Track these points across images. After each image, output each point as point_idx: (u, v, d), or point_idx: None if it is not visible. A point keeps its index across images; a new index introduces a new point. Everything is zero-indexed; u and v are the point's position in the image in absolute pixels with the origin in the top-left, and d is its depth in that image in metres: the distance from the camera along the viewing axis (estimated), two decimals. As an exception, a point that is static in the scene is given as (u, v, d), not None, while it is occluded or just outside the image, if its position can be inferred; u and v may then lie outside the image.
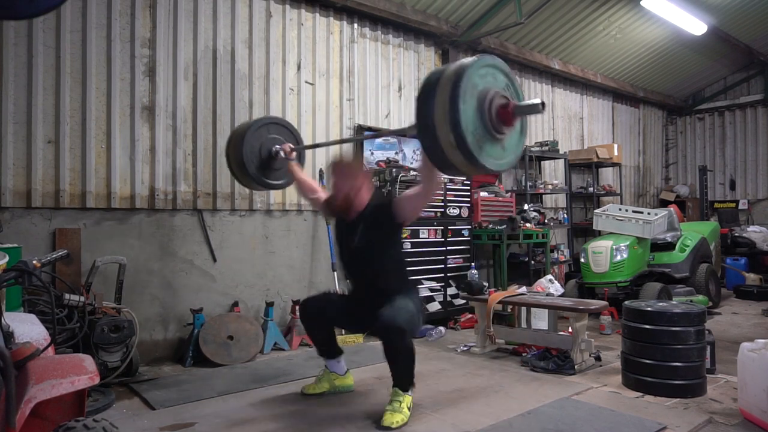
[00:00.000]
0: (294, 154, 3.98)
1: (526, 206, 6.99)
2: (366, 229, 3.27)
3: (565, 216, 8.14)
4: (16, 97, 3.93)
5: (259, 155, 3.96)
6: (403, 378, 3.12)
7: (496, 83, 2.53)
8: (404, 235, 5.39)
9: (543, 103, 2.44)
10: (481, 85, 2.43)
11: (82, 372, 1.82)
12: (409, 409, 3.09)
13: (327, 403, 3.41)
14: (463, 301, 5.80)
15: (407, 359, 3.11)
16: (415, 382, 3.17)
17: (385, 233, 3.28)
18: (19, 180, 3.93)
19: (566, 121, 8.81)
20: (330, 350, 3.61)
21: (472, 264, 5.96)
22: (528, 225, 6.54)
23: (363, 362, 4.25)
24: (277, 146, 3.96)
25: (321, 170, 5.43)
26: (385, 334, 3.04)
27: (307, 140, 5.42)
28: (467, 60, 2.46)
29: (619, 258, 5.93)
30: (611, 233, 6.35)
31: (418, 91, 2.57)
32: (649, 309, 3.60)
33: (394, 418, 2.98)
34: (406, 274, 3.47)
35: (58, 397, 1.78)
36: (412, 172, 5.52)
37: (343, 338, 5.02)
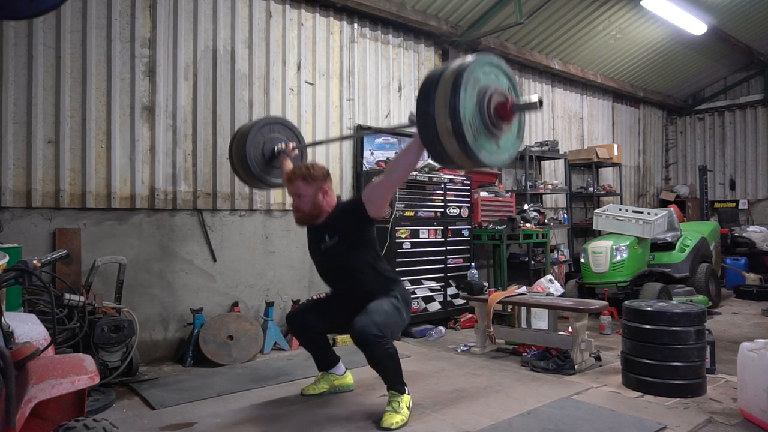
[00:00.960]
0: (296, 152, 3.97)
1: (526, 206, 6.99)
2: (336, 230, 3.18)
3: (565, 216, 8.14)
4: (16, 97, 3.93)
5: (263, 155, 3.97)
6: (393, 380, 3.10)
7: (498, 83, 2.58)
8: (404, 235, 5.39)
9: (541, 101, 2.50)
10: (484, 80, 2.50)
11: (82, 372, 1.82)
12: (408, 408, 3.08)
13: (327, 403, 3.41)
14: (463, 301, 5.80)
15: (389, 363, 3.05)
16: (405, 382, 3.15)
17: (356, 232, 3.18)
18: (19, 180, 3.93)
19: (566, 121, 8.81)
20: (327, 361, 3.59)
21: (472, 264, 5.96)
22: (528, 225, 6.54)
23: (363, 362, 4.21)
24: (280, 145, 3.97)
25: (321, 170, 5.43)
26: (359, 345, 2.98)
27: (306, 140, 5.43)
28: (472, 56, 2.51)
29: (619, 258, 5.93)
30: (611, 233, 6.36)
31: (422, 81, 2.61)
32: (649, 309, 3.60)
33: (393, 419, 2.97)
34: (383, 273, 3.30)
35: (58, 397, 1.78)
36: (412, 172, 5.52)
37: (343, 338, 5.03)
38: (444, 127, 2.40)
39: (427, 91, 2.49)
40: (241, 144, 3.92)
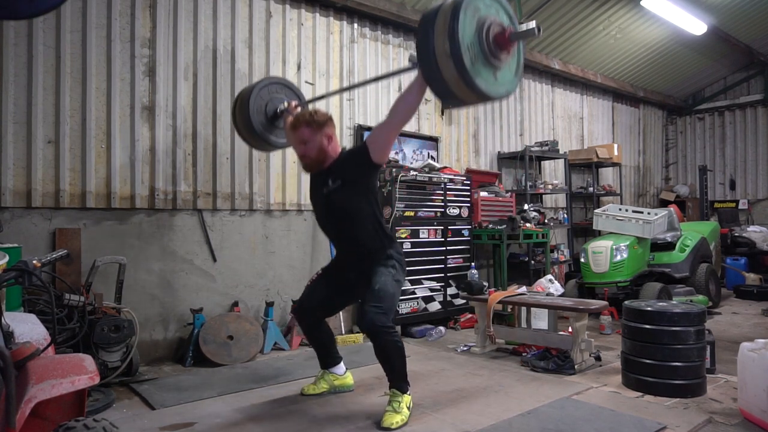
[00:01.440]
0: (299, 109, 3.96)
1: (526, 206, 6.99)
2: (340, 174, 3.15)
3: (565, 216, 8.14)
4: (16, 97, 3.93)
5: (265, 114, 4.00)
6: (398, 374, 3.12)
7: (498, 16, 2.65)
8: (404, 235, 5.39)
9: (539, 27, 2.57)
10: (484, 11, 2.56)
11: (82, 372, 1.82)
12: (408, 408, 3.08)
13: (327, 403, 3.41)
14: (463, 301, 5.80)
15: (396, 354, 3.08)
16: (408, 380, 3.16)
17: (360, 177, 3.15)
18: (19, 180, 3.93)
19: (566, 121, 8.81)
20: (329, 358, 3.59)
21: (472, 264, 5.96)
22: (528, 225, 6.54)
23: (363, 362, 4.25)
24: (283, 104, 3.99)
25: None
26: (369, 335, 3.04)
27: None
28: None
29: (619, 258, 5.93)
30: (611, 233, 6.36)
31: (423, 14, 2.68)
32: (649, 309, 3.60)
33: (393, 419, 2.97)
34: (383, 228, 3.26)
35: (58, 397, 1.78)
36: (411, 172, 5.52)
37: (343, 338, 5.03)
38: (442, 49, 2.46)
39: (427, 20, 2.57)
40: (243, 106, 3.94)
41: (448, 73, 2.50)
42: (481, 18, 2.54)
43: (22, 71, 3.95)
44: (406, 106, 2.98)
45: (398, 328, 3.24)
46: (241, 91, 4.14)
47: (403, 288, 3.39)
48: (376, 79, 3.97)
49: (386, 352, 3.06)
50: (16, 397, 1.65)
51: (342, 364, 3.64)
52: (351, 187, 3.13)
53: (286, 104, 3.97)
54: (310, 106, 3.91)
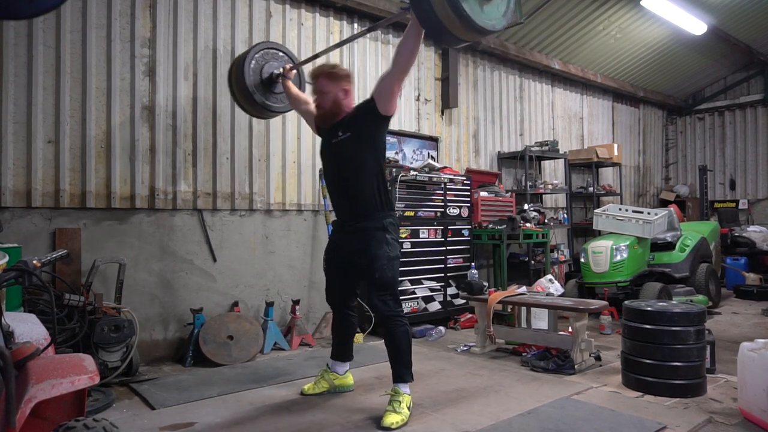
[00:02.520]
0: (293, 72, 4.05)
1: (526, 206, 6.99)
2: (349, 126, 3.22)
3: (565, 216, 8.14)
4: (16, 97, 3.93)
5: (261, 79, 4.05)
6: (403, 362, 3.16)
7: None
8: (404, 235, 5.39)
9: None
10: None
11: (82, 372, 1.82)
12: (409, 408, 3.09)
13: (327, 403, 3.41)
14: (463, 301, 5.80)
15: (404, 340, 3.18)
16: (412, 372, 3.22)
17: (368, 130, 3.20)
18: (19, 180, 3.93)
19: (566, 120, 8.82)
20: (344, 354, 3.60)
21: (472, 264, 5.96)
22: (528, 225, 6.54)
23: (363, 362, 4.25)
24: (278, 69, 4.04)
25: (321, 169, 5.44)
26: (380, 322, 3.21)
27: (306, 139, 5.44)
28: None
29: (619, 258, 5.93)
30: (611, 233, 6.36)
31: None
32: (649, 309, 3.60)
33: (394, 419, 2.97)
34: (386, 191, 3.29)
35: (58, 397, 1.78)
36: (411, 172, 5.52)
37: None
38: None
39: None
40: (239, 73, 3.99)
41: (438, 5, 2.58)
42: None
43: (22, 71, 3.95)
44: (406, 51, 2.99)
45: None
46: (236, 58, 4.18)
47: (402, 288, 3.43)
48: (369, 30, 3.86)
49: (395, 338, 3.18)
50: (16, 397, 1.65)
51: (347, 364, 3.64)
52: (358, 139, 3.18)
53: (281, 69, 4.03)
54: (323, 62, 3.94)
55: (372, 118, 3.19)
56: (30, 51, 3.96)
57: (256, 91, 4.04)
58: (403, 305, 3.29)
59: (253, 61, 4.04)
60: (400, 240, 5.30)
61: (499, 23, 2.81)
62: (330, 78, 3.26)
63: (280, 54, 4.26)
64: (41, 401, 1.72)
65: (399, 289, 3.36)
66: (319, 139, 5.43)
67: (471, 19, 2.62)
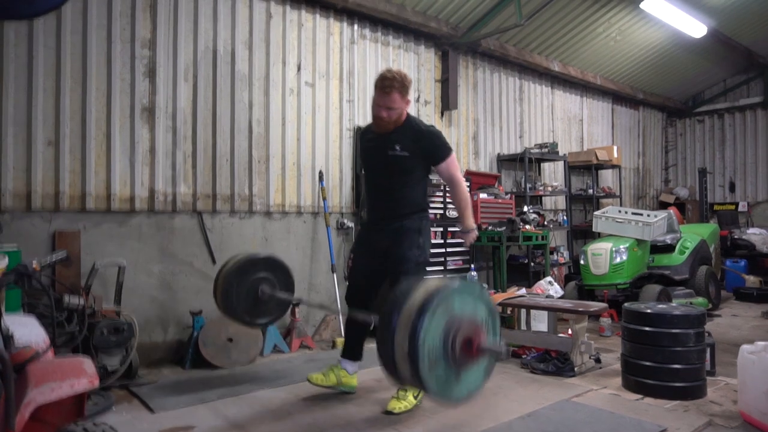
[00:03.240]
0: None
1: (525, 208, 6.99)
2: (408, 147, 3.27)
3: (565, 218, 8.14)
4: (16, 99, 3.93)
5: (248, 301, 3.66)
6: None
7: (475, 314, 2.32)
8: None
9: (509, 350, 2.35)
10: (458, 309, 2.25)
11: (81, 375, 1.82)
12: (415, 398, 3.10)
13: (327, 406, 3.41)
14: (463, 303, 5.79)
15: None
16: None
17: (425, 159, 3.35)
18: (18, 182, 3.93)
19: (566, 122, 8.82)
20: (354, 352, 3.59)
21: (472, 266, 5.95)
22: (527, 227, 6.54)
23: (363, 365, 4.23)
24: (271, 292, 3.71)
25: (320, 171, 5.44)
26: None
27: (306, 141, 5.43)
28: (454, 283, 2.30)
29: (618, 260, 5.93)
30: (611, 235, 6.35)
31: (398, 289, 2.38)
32: (648, 311, 3.60)
33: (398, 404, 3.02)
34: (426, 197, 3.49)
35: (57, 400, 1.78)
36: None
37: (342, 340, 5.01)
38: (401, 347, 2.17)
39: (399, 298, 2.27)
40: (227, 297, 3.61)
41: (403, 369, 2.22)
42: (451, 320, 2.19)
43: (22, 73, 3.95)
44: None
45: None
46: (223, 273, 3.68)
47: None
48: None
49: None
50: (16, 400, 1.64)
51: (357, 364, 3.63)
52: (415, 159, 3.31)
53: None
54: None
55: (430, 158, 3.37)
56: (30, 52, 3.96)
57: (245, 315, 3.69)
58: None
59: (241, 282, 3.63)
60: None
61: (478, 382, 2.38)
62: (402, 94, 3.22)
63: (270, 266, 3.78)
64: (41, 404, 1.72)
65: None
66: (318, 142, 5.49)
67: (440, 398, 2.31)
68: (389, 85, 3.17)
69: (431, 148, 3.31)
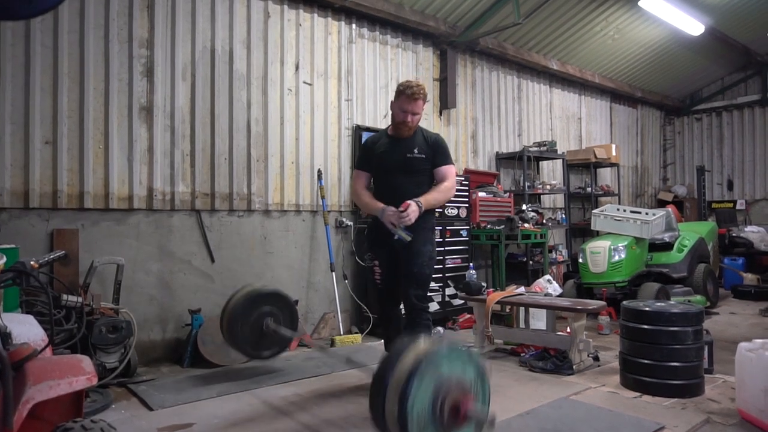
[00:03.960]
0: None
1: (524, 206, 7.00)
2: (424, 151, 3.49)
3: (563, 216, 8.15)
4: (13, 98, 3.92)
5: (253, 334, 3.77)
6: None
7: (464, 378, 2.34)
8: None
9: (493, 420, 2.32)
10: (447, 372, 2.27)
11: (79, 373, 1.82)
12: None
13: (325, 404, 3.41)
14: (462, 302, 5.80)
15: (425, 333, 3.27)
16: None
17: (434, 160, 3.52)
18: (16, 180, 3.92)
19: (564, 121, 8.82)
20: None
21: (471, 264, 5.96)
22: (526, 225, 6.55)
23: (363, 362, 4.24)
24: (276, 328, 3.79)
25: (319, 170, 5.44)
26: (407, 313, 3.42)
27: (304, 140, 5.43)
28: (441, 347, 2.29)
29: (617, 258, 5.94)
30: (609, 233, 6.36)
31: (392, 349, 2.39)
32: (647, 309, 3.60)
33: None
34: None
35: (55, 398, 1.78)
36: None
37: (341, 339, 5.03)
38: (391, 410, 2.19)
39: (393, 357, 2.29)
40: (231, 332, 3.74)
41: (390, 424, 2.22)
42: (439, 384, 2.21)
43: (20, 72, 3.94)
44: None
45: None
46: (229, 306, 3.79)
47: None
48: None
49: (416, 329, 3.31)
50: (14, 398, 1.64)
51: None
52: (428, 161, 3.54)
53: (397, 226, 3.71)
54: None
55: (434, 162, 3.55)
56: (27, 52, 3.96)
57: (249, 349, 3.81)
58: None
59: (246, 318, 3.74)
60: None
61: None
62: (424, 101, 3.49)
63: (273, 299, 3.89)
64: (39, 402, 1.72)
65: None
66: (317, 141, 5.48)
67: None
68: (417, 92, 3.41)
69: (440, 151, 3.55)
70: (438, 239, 5.73)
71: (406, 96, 3.41)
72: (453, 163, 3.61)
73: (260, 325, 3.79)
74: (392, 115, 3.54)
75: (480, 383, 2.44)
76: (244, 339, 3.76)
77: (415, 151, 3.50)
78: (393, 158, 3.53)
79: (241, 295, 3.80)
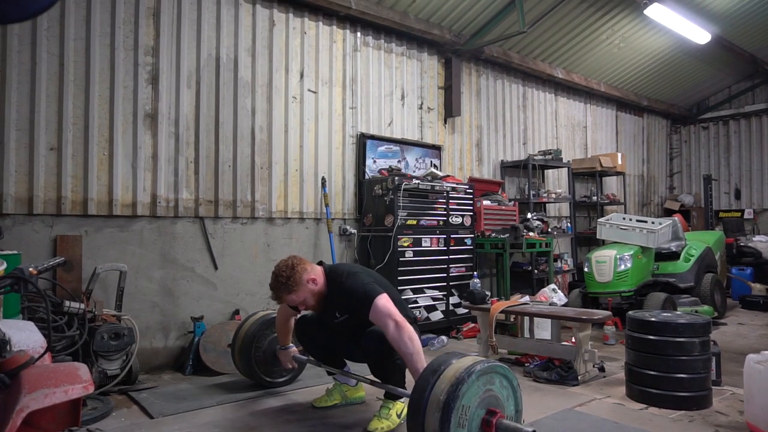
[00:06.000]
0: (295, 364, 3.78)
1: (529, 215, 6.96)
2: (345, 310, 3.19)
3: (569, 225, 8.10)
4: (19, 105, 3.95)
5: (265, 361, 3.83)
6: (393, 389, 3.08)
7: (506, 403, 2.60)
8: (406, 244, 5.37)
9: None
10: (497, 390, 2.55)
11: (76, 381, 1.80)
12: (399, 417, 3.06)
13: (325, 413, 3.38)
14: (466, 311, 5.75)
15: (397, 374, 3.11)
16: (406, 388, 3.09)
17: (365, 315, 3.07)
18: (21, 187, 3.94)
19: (570, 129, 8.80)
20: (335, 363, 3.54)
21: (475, 273, 5.92)
22: (531, 234, 6.51)
23: (360, 372, 4.20)
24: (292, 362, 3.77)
25: (323, 178, 5.44)
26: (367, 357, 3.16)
27: (308, 148, 5.43)
28: (476, 365, 2.44)
29: (623, 267, 5.88)
30: (615, 242, 6.31)
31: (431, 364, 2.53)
32: (653, 319, 3.55)
33: (380, 424, 2.98)
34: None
35: (52, 407, 1.76)
36: (414, 181, 5.51)
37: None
38: (437, 397, 2.35)
39: (448, 356, 2.54)
40: (246, 364, 3.78)
41: (430, 421, 2.35)
42: (487, 394, 2.48)
43: (26, 78, 3.96)
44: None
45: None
46: (240, 333, 3.82)
47: (404, 297, 3.40)
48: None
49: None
50: (8, 407, 1.63)
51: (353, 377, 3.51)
52: (359, 318, 3.10)
53: (289, 366, 3.75)
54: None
55: (360, 312, 3.07)
56: (33, 59, 3.98)
57: (262, 376, 3.83)
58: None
59: (257, 343, 3.79)
60: (402, 249, 5.29)
61: None
62: (291, 291, 3.07)
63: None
64: (35, 411, 1.70)
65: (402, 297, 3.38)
66: (321, 148, 5.48)
67: None
68: (275, 296, 3.13)
69: (359, 306, 3.05)
70: (442, 247, 5.73)
71: (275, 300, 3.20)
72: (373, 295, 2.98)
73: (273, 351, 3.78)
74: None
75: (513, 396, 2.65)
76: (257, 367, 3.77)
77: (338, 314, 3.22)
78: (326, 319, 3.35)
79: (251, 323, 3.82)
